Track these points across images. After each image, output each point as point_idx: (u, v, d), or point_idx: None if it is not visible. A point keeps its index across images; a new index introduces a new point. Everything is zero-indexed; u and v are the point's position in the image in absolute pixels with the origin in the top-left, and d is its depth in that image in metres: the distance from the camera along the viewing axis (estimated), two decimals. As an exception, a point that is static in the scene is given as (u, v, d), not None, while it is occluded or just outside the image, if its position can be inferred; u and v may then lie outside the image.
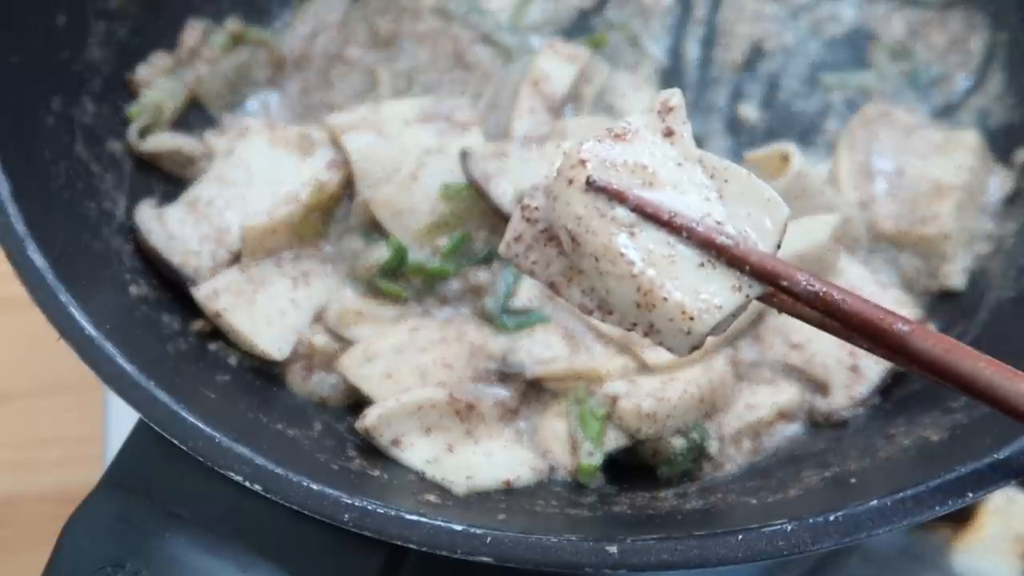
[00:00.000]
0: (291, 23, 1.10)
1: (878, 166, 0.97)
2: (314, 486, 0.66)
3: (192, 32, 1.03)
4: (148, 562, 0.67)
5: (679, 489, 0.80)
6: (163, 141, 0.96)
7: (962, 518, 0.94)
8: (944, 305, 0.92)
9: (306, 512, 0.66)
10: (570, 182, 0.56)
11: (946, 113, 1.05)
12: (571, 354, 0.85)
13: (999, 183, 0.97)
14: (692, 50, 1.10)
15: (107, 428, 1.01)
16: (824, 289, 0.56)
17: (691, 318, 0.54)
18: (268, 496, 0.66)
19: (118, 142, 0.94)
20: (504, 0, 1.08)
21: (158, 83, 0.98)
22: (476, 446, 0.81)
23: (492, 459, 0.81)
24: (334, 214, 0.92)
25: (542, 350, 0.84)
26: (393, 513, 0.65)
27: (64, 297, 0.72)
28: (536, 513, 0.75)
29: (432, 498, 0.74)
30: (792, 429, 0.86)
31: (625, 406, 0.80)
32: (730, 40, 1.10)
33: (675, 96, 0.59)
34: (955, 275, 0.92)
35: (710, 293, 0.55)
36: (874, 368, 0.85)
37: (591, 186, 0.55)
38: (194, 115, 1.01)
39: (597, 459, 0.80)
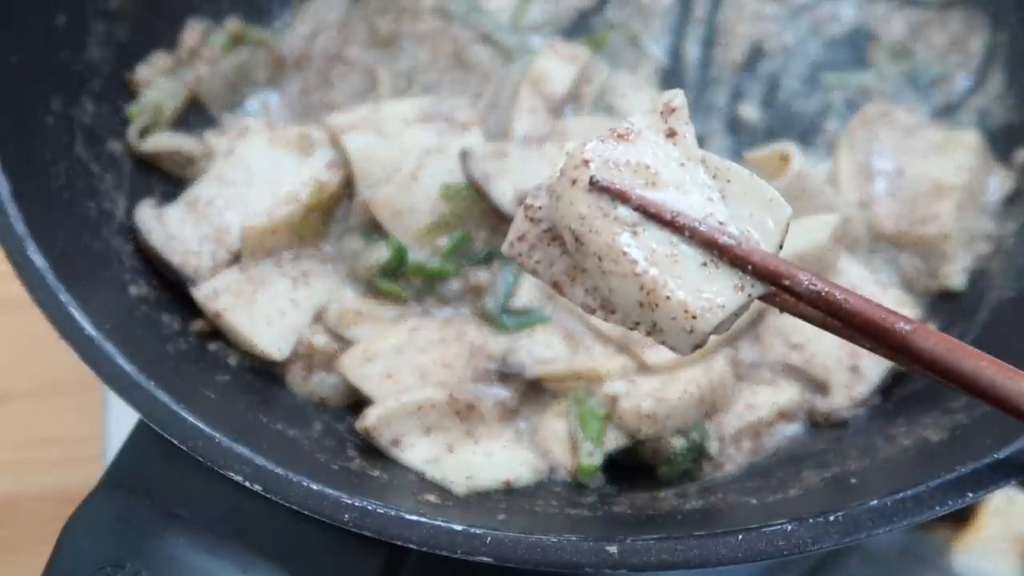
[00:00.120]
0: (291, 23, 1.10)
1: (878, 166, 0.97)
2: (314, 486, 0.66)
3: (192, 32, 1.03)
4: (148, 562, 0.67)
5: (679, 489, 0.80)
6: (163, 141, 0.96)
7: (962, 518, 0.94)
8: (944, 305, 0.92)
9: (306, 512, 0.66)
10: (573, 182, 0.56)
11: (946, 113, 1.05)
12: (571, 354, 0.85)
13: (999, 183, 0.97)
14: (692, 50, 1.10)
15: (107, 428, 1.01)
16: (826, 289, 0.56)
17: (694, 317, 0.54)
18: (268, 496, 0.66)
19: (118, 142, 0.94)
20: (504, 0, 1.08)
21: (158, 83, 0.98)
22: (476, 446, 0.81)
23: (492, 459, 0.81)
24: (334, 214, 0.92)
25: (542, 350, 0.84)
26: (393, 513, 0.65)
27: (64, 297, 0.72)
28: (536, 513, 0.75)
29: (432, 498, 0.74)
30: (792, 429, 0.86)
31: (625, 406, 0.80)
32: (730, 40, 1.10)
33: (678, 97, 0.59)
34: (955, 275, 0.92)
35: (713, 292, 0.55)
36: (874, 368, 0.85)
37: (594, 186, 0.56)
38: (194, 115, 1.01)
39: (597, 459, 0.80)
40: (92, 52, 0.94)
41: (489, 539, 0.64)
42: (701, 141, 0.59)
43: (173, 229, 0.89)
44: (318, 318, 0.89)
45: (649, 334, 0.57)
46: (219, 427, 0.68)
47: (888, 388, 0.86)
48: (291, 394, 0.87)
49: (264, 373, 0.87)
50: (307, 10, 1.10)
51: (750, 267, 0.56)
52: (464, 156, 0.88)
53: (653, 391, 0.81)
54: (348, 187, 0.92)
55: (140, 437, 0.73)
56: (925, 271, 0.93)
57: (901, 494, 0.63)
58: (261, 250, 0.88)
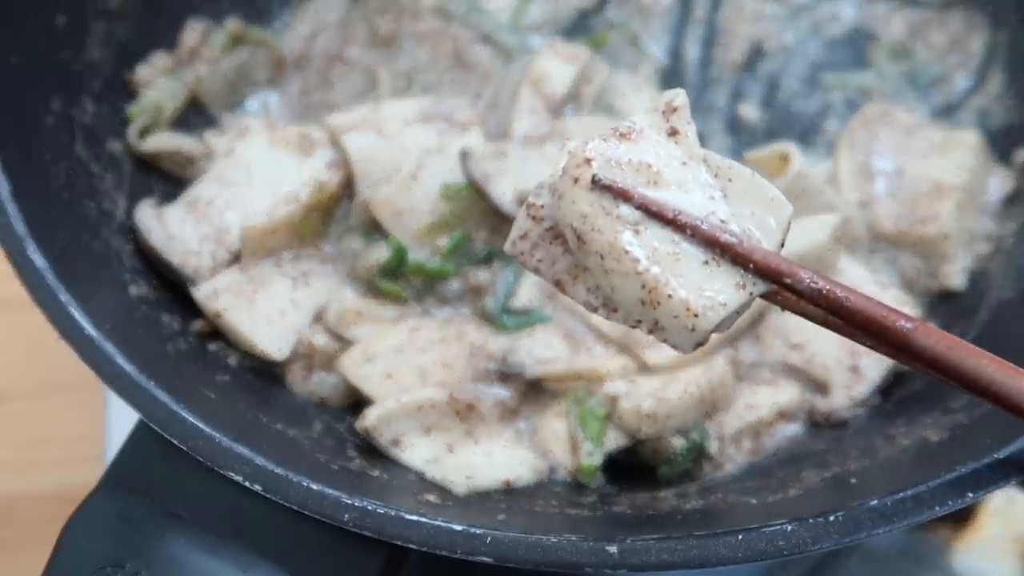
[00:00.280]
0: (291, 23, 1.10)
1: (878, 166, 0.97)
2: (314, 486, 0.66)
3: (192, 32, 1.03)
4: (148, 562, 0.67)
5: (679, 489, 0.80)
6: (163, 141, 0.96)
7: (962, 518, 0.94)
8: (944, 305, 0.92)
9: (306, 512, 0.66)
10: (575, 180, 0.56)
11: (946, 113, 1.05)
12: (571, 354, 0.85)
13: (999, 183, 0.97)
14: (692, 50, 1.10)
15: (107, 428, 1.01)
16: (827, 287, 0.56)
17: (695, 315, 0.55)
18: (268, 496, 0.66)
19: (118, 142, 0.94)
20: (504, 0, 1.08)
21: (158, 83, 0.98)
22: (476, 446, 0.81)
23: (492, 459, 0.81)
24: (334, 214, 0.92)
25: (542, 350, 0.84)
26: (393, 513, 0.65)
27: (64, 297, 0.72)
28: (536, 513, 0.75)
29: (432, 498, 0.74)
30: (792, 429, 0.86)
31: (625, 406, 0.80)
32: (730, 40, 1.10)
33: (679, 96, 0.59)
34: (955, 275, 0.92)
35: (714, 290, 0.55)
36: (874, 368, 0.85)
37: (596, 184, 0.56)
38: (194, 115, 1.01)
39: (597, 459, 0.80)
40: (92, 52, 0.94)
41: (489, 539, 0.64)
42: (701, 141, 0.59)
43: (173, 229, 0.89)
44: (318, 318, 0.89)
45: (651, 332, 0.57)
46: (219, 427, 0.68)
47: (888, 388, 0.86)
48: (291, 394, 0.87)
49: (264, 373, 0.87)
50: (307, 10, 1.10)
51: (752, 265, 0.56)
52: (464, 156, 0.88)
53: (653, 391, 0.81)
54: (348, 187, 0.92)
55: (140, 437, 0.72)
56: (925, 271, 0.93)
57: (901, 494, 0.63)
58: (261, 250, 0.88)
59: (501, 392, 0.84)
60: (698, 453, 0.82)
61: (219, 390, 0.80)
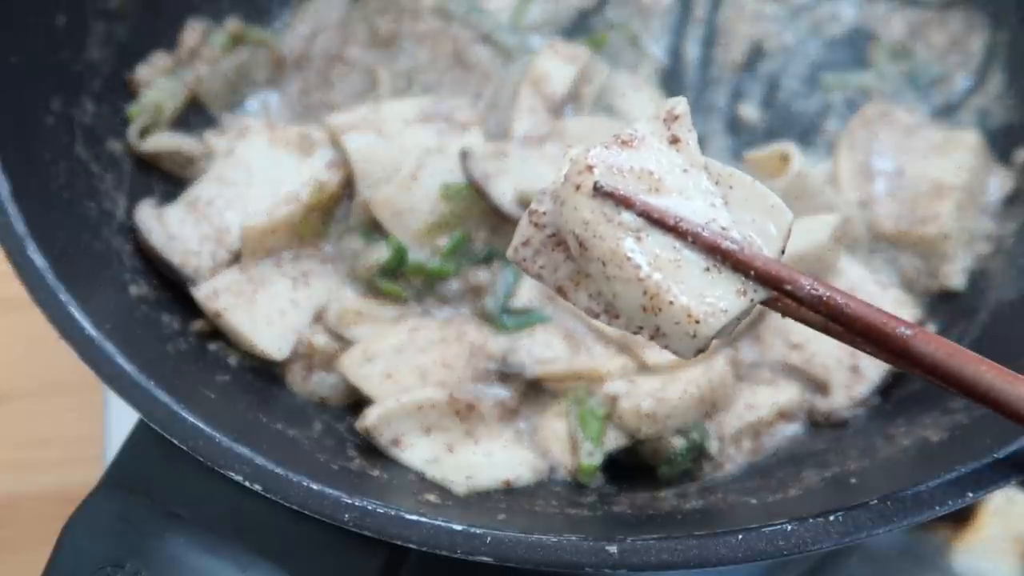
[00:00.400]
0: (291, 23, 1.10)
1: (878, 166, 0.97)
2: (314, 486, 0.66)
3: (192, 32, 1.03)
4: (148, 562, 0.67)
5: (679, 489, 0.80)
6: (163, 141, 0.96)
7: (962, 518, 0.94)
8: (944, 305, 0.92)
9: (306, 512, 0.66)
10: (577, 187, 0.56)
11: (946, 113, 1.05)
12: (571, 354, 0.85)
13: (999, 183, 0.97)
14: (692, 50, 1.10)
15: (107, 428, 1.01)
16: (828, 294, 0.56)
17: (697, 321, 0.55)
18: (268, 496, 0.66)
19: (118, 142, 0.94)
20: (504, 0, 1.08)
21: (158, 83, 0.98)
22: (476, 446, 0.81)
23: (492, 459, 0.81)
24: (334, 214, 0.92)
25: (542, 350, 0.85)
26: (393, 513, 0.65)
27: (64, 297, 0.72)
28: (536, 513, 0.75)
29: (432, 498, 0.74)
30: (792, 429, 0.86)
31: (625, 406, 0.80)
32: (730, 40, 1.10)
33: (680, 104, 0.59)
34: (955, 275, 0.92)
35: (715, 297, 0.55)
36: (874, 368, 0.86)
37: (598, 191, 0.56)
38: (194, 115, 1.01)
39: (597, 459, 0.80)
40: (92, 52, 0.94)
41: (489, 539, 0.64)
42: (701, 141, 0.59)
43: (173, 229, 0.89)
44: (318, 318, 0.89)
45: (652, 339, 0.57)
46: (219, 427, 0.68)
47: (888, 388, 0.86)
48: (291, 394, 0.87)
49: (264, 373, 0.87)
50: (307, 10, 1.10)
51: (752, 272, 0.56)
52: (464, 156, 0.88)
53: (653, 391, 0.81)
54: (348, 187, 0.92)
55: (140, 437, 0.72)
56: (925, 271, 0.93)
57: (901, 494, 0.63)
58: (261, 250, 0.88)
59: (501, 392, 0.84)
60: (698, 453, 0.82)
61: (219, 390, 0.80)
